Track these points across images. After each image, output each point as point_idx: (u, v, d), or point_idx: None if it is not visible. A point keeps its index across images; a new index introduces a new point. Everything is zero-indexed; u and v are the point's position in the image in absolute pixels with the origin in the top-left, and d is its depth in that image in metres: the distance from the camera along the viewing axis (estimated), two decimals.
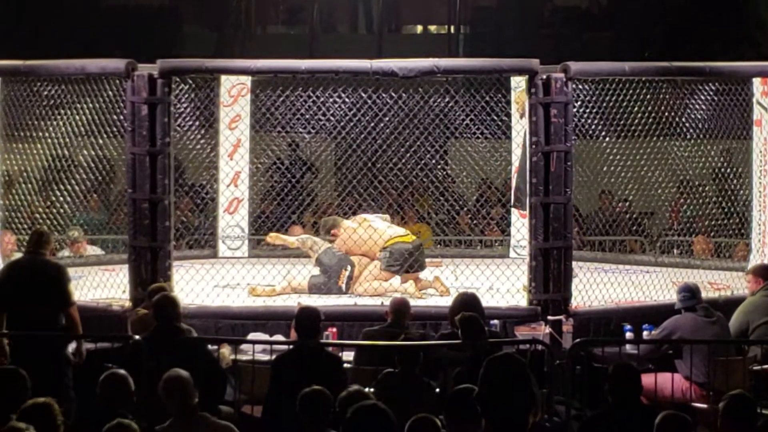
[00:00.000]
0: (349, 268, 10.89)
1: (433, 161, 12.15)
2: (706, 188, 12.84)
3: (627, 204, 13.44)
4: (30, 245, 9.06)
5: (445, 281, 10.99)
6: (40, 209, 11.64)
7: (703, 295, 9.44)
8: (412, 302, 9.32)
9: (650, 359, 9.05)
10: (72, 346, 8.79)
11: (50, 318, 8.73)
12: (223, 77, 12.59)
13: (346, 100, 11.79)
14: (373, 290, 10.73)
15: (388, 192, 12.75)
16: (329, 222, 11.37)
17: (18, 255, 11.47)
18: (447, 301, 9.38)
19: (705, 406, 8.68)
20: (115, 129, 10.92)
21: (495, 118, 12.23)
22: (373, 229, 11.02)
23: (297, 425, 6.46)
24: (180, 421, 6.51)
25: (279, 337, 9.20)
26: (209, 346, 8.49)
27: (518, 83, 11.67)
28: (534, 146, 9.86)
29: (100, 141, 11.38)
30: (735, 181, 12.17)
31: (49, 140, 11.36)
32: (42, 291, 8.75)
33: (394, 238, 11.01)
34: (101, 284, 10.27)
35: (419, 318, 9.43)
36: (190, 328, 8.53)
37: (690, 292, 9.18)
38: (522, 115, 11.23)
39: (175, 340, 7.91)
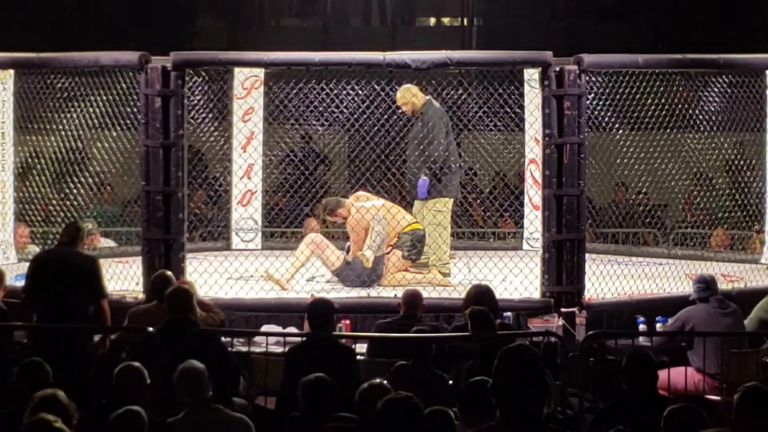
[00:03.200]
0: (374, 286, 10.75)
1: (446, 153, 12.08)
2: (719, 181, 12.81)
3: (644, 196, 13.41)
4: (65, 237, 9.07)
5: (458, 273, 11.00)
6: (54, 202, 11.66)
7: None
8: (425, 294, 9.33)
9: (664, 350, 9.04)
10: (97, 338, 8.83)
11: (78, 309, 8.74)
12: (237, 69, 12.57)
13: (360, 92, 11.76)
14: (397, 282, 10.71)
15: (402, 184, 12.73)
16: (332, 203, 11.05)
17: (32, 247, 11.55)
18: (460, 293, 9.38)
19: (718, 398, 8.67)
20: (128, 121, 10.93)
21: (508, 110, 12.20)
22: (391, 214, 10.89)
23: (302, 413, 6.48)
24: (194, 413, 6.52)
25: (292, 329, 9.21)
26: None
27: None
28: (547, 138, 9.85)
29: (114, 133, 11.41)
30: (748, 173, 12.14)
31: (63, 133, 11.39)
32: (74, 282, 8.76)
33: (412, 224, 10.99)
34: (114, 276, 10.28)
35: (433, 310, 9.43)
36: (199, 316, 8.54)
37: (705, 283, 9.16)
38: (415, 115, 11.16)
39: (188, 332, 7.91)
